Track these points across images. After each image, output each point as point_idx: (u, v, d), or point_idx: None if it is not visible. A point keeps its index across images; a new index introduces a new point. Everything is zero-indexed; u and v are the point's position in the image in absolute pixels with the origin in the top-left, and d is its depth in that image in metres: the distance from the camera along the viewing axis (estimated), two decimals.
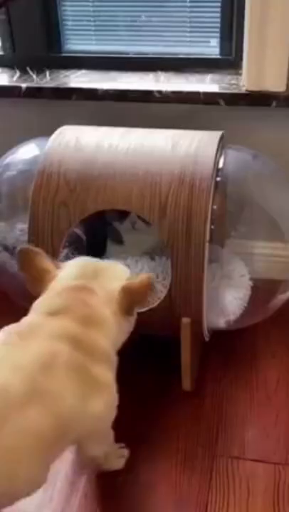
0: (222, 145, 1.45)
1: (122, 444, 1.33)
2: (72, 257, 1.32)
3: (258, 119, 1.68)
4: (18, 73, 1.80)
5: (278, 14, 1.49)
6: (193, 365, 1.49)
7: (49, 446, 1.01)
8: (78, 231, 1.61)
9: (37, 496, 1.29)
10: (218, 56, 1.76)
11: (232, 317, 1.52)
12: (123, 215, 1.55)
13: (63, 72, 1.79)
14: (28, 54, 1.81)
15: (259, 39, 1.52)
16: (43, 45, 1.80)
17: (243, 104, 1.63)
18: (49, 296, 1.14)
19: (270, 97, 1.60)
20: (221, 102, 1.63)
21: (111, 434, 1.22)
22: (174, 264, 1.34)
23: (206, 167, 1.35)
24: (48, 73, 1.78)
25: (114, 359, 1.15)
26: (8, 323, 1.82)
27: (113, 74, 1.77)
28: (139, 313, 1.36)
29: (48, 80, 1.75)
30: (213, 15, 1.70)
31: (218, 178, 1.40)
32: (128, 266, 1.38)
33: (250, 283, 1.58)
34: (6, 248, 1.63)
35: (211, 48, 1.76)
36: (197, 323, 1.41)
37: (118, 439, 1.42)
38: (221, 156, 1.43)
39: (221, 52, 1.75)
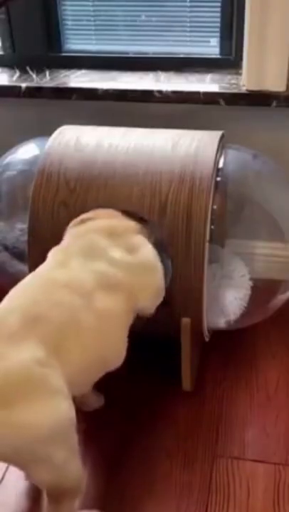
0: (222, 145, 1.45)
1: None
2: None
3: (258, 119, 1.68)
4: (18, 73, 1.80)
5: (278, 14, 1.49)
6: (193, 365, 1.49)
7: (127, 322, 1.20)
8: None
9: (37, 496, 1.29)
10: (218, 56, 1.76)
11: (232, 317, 1.52)
12: None
13: (63, 72, 1.79)
14: (28, 54, 1.81)
15: (259, 39, 1.52)
16: (43, 45, 1.80)
17: (243, 104, 1.63)
18: None
19: (270, 97, 1.60)
20: (221, 101, 1.63)
21: None
22: (174, 263, 1.34)
23: (206, 167, 1.35)
24: (47, 73, 1.78)
25: None
26: None
27: (113, 74, 1.76)
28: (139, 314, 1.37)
29: (48, 79, 1.75)
30: (213, 15, 1.70)
31: (218, 178, 1.40)
32: None
33: (250, 283, 1.58)
34: (6, 248, 1.63)
35: (211, 47, 1.75)
36: (197, 323, 1.41)
37: (118, 438, 1.42)
38: (221, 155, 1.43)
39: (221, 52, 1.75)
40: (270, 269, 1.59)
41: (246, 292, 1.56)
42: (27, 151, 1.61)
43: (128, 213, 1.34)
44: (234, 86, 1.65)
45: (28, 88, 1.72)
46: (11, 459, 1.02)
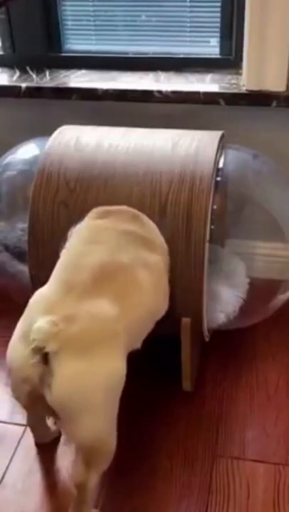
0: (222, 145, 1.45)
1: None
2: None
3: (258, 119, 1.68)
4: (18, 73, 1.79)
5: (278, 14, 1.49)
6: (193, 365, 1.49)
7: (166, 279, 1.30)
8: None
9: (37, 495, 1.29)
10: (218, 56, 1.75)
11: (231, 309, 1.51)
12: None
13: (63, 72, 1.79)
14: (28, 54, 1.81)
15: (259, 39, 1.52)
16: (43, 45, 1.80)
17: (243, 104, 1.63)
18: None
19: (270, 97, 1.60)
20: (221, 101, 1.63)
21: None
22: (174, 263, 1.34)
23: (206, 167, 1.35)
24: (47, 73, 1.78)
25: None
26: (8, 322, 1.83)
27: (113, 74, 1.76)
28: None
29: (48, 79, 1.75)
30: (213, 15, 1.70)
31: (219, 178, 1.40)
32: None
33: (248, 281, 1.58)
34: (7, 248, 1.63)
35: (211, 47, 1.75)
36: (197, 323, 1.41)
37: (118, 438, 1.42)
38: (221, 155, 1.43)
39: (221, 52, 1.75)
40: (270, 269, 1.59)
41: (245, 291, 1.56)
42: (27, 151, 1.61)
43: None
44: (234, 86, 1.65)
45: (28, 88, 1.71)
46: (72, 405, 1.08)
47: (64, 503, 1.29)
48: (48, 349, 1.05)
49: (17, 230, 1.60)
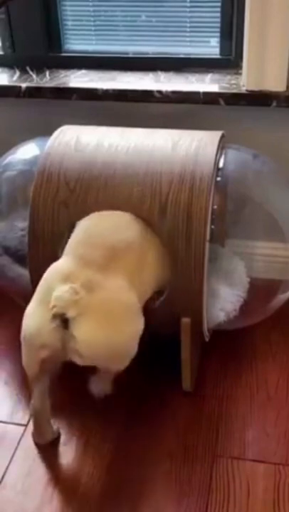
0: (222, 145, 1.45)
1: None
2: None
3: (258, 119, 1.68)
4: (18, 73, 1.79)
5: (278, 14, 1.49)
6: (193, 365, 1.49)
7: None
8: None
9: (37, 496, 1.29)
10: (218, 56, 1.75)
11: (230, 308, 1.51)
12: None
13: (63, 72, 1.79)
14: (28, 54, 1.81)
15: (259, 39, 1.52)
16: (43, 45, 1.80)
17: (243, 104, 1.63)
18: None
19: (270, 97, 1.60)
20: (221, 101, 1.63)
21: None
22: (174, 263, 1.34)
23: (206, 167, 1.35)
24: (47, 73, 1.78)
25: None
26: (8, 322, 1.83)
27: (113, 74, 1.76)
28: None
29: (48, 79, 1.75)
30: (213, 15, 1.70)
31: (219, 178, 1.39)
32: None
33: (248, 280, 1.58)
34: (6, 251, 1.62)
35: (211, 47, 1.75)
36: (197, 323, 1.41)
37: (118, 438, 1.42)
38: (221, 155, 1.43)
39: (221, 52, 1.75)
40: (270, 269, 1.59)
41: (245, 291, 1.56)
42: (27, 151, 1.61)
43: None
44: (234, 86, 1.65)
45: (28, 88, 1.71)
46: (100, 361, 1.24)
47: (64, 503, 1.29)
48: (68, 315, 1.15)
49: (17, 230, 1.60)
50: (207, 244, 1.32)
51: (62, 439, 1.43)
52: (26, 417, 1.48)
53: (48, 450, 1.41)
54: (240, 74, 1.67)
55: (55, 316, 1.16)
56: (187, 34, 1.75)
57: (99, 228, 1.34)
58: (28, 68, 1.81)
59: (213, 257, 1.51)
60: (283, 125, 1.69)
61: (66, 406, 1.51)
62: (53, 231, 1.38)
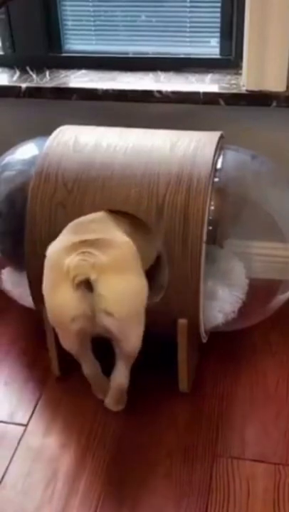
0: (221, 145, 1.45)
1: None
2: None
3: (258, 119, 1.68)
4: (18, 73, 1.79)
5: (278, 14, 1.49)
6: (190, 366, 1.49)
7: None
8: None
9: (37, 495, 1.29)
10: (218, 56, 1.75)
11: (229, 309, 1.51)
12: None
13: (63, 72, 1.78)
14: (28, 54, 1.81)
15: (259, 39, 1.52)
16: (43, 45, 1.80)
17: (243, 104, 1.63)
18: None
19: (270, 97, 1.60)
20: (221, 102, 1.63)
21: None
22: (171, 264, 1.34)
23: (204, 168, 1.35)
24: (47, 73, 1.78)
25: None
26: (8, 322, 1.83)
27: (113, 74, 1.76)
28: None
29: (48, 79, 1.75)
30: (213, 15, 1.70)
31: (216, 179, 1.39)
32: None
33: (247, 281, 1.58)
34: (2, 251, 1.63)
35: (211, 47, 1.75)
36: (194, 324, 1.41)
37: (118, 438, 1.42)
38: (219, 156, 1.43)
39: (221, 52, 1.75)
40: (270, 269, 1.59)
41: (244, 292, 1.56)
42: (26, 151, 1.61)
43: (125, 214, 1.34)
44: (234, 86, 1.65)
45: (28, 88, 1.71)
46: (126, 317, 1.26)
47: (64, 503, 1.29)
48: (92, 278, 1.20)
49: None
50: (204, 246, 1.32)
51: (62, 439, 1.43)
52: (26, 417, 1.49)
53: (48, 450, 1.41)
54: (240, 74, 1.67)
55: (78, 285, 1.21)
56: (187, 34, 1.75)
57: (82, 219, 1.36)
58: (28, 68, 1.81)
59: (212, 258, 1.51)
60: (283, 125, 1.69)
61: (66, 406, 1.51)
62: (50, 231, 1.37)
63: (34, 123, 1.76)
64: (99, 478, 1.34)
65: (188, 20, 1.73)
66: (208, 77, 1.72)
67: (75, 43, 1.83)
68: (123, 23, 1.78)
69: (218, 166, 1.42)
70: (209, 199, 1.34)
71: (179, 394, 1.51)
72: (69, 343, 1.34)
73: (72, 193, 1.38)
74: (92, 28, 1.80)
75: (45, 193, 1.39)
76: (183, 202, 1.32)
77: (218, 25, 1.70)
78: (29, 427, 1.46)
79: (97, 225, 1.31)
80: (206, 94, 1.63)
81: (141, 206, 1.34)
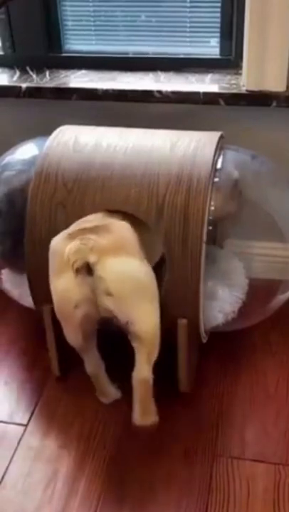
0: (221, 145, 1.45)
1: None
2: None
3: (258, 119, 1.68)
4: (18, 73, 1.79)
5: (278, 14, 1.49)
6: (190, 366, 1.49)
7: None
8: None
9: (37, 496, 1.29)
10: (218, 56, 1.75)
11: (229, 309, 1.51)
12: None
13: (63, 72, 1.78)
14: (28, 54, 1.81)
15: (259, 39, 1.52)
16: (43, 45, 1.80)
17: (243, 104, 1.63)
18: None
19: (270, 97, 1.59)
20: (221, 102, 1.63)
21: None
22: (171, 264, 1.34)
23: (204, 168, 1.35)
24: (47, 73, 1.78)
25: None
26: (8, 323, 1.83)
27: (113, 74, 1.76)
28: None
29: (48, 79, 1.75)
30: (213, 15, 1.70)
31: (216, 179, 1.39)
32: None
33: (247, 282, 1.58)
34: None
35: (211, 47, 1.75)
36: (194, 324, 1.41)
37: (118, 438, 1.42)
38: (219, 156, 1.43)
39: (221, 52, 1.75)
40: (270, 269, 1.59)
41: (244, 292, 1.56)
42: (26, 151, 1.61)
43: (125, 214, 1.35)
44: (234, 86, 1.65)
45: (28, 88, 1.71)
46: (129, 294, 1.27)
47: (64, 503, 1.29)
48: (91, 261, 1.22)
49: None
50: (204, 246, 1.32)
51: (62, 439, 1.43)
52: (26, 417, 1.49)
53: (48, 450, 1.41)
54: (240, 74, 1.67)
55: (78, 270, 1.23)
56: (187, 34, 1.75)
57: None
58: (28, 68, 1.81)
59: (212, 258, 1.51)
60: (283, 125, 1.69)
61: (66, 406, 1.51)
62: (50, 231, 1.37)
63: (34, 123, 1.76)
64: (99, 478, 1.34)
65: (188, 20, 1.73)
66: (208, 77, 1.72)
67: (75, 43, 1.83)
68: (123, 23, 1.78)
69: (219, 166, 1.42)
70: (209, 199, 1.34)
71: (179, 394, 1.51)
72: (73, 335, 1.33)
73: (72, 193, 1.38)
74: (92, 28, 1.80)
75: (45, 193, 1.39)
76: (183, 202, 1.32)
77: (218, 25, 1.70)
78: (29, 427, 1.46)
79: (95, 217, 1.34)
80: (206, 94, 1.63)
81: (141, 206, 1.34)
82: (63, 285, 1.27)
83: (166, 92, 1.65)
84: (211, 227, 1.37)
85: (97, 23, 1.79)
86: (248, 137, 1.65)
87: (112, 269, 1.25)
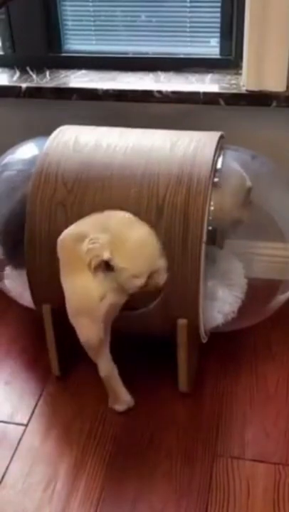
0: (221, 145, 1.45)
1: None
2: None
3: (258, 119, 1.68)
4: (18, 73, 1.80)
5: (278, 14, 1.49)
6: (190, 366, 1.49)
7: None
8: None
9: (37, 496, 1.29)
10: (218, 56, 1.75)
11: (228, 309, 1.51)
12: None
13: (63, 72, 1.79)
14: (28, 54, 1.81)
15: (259, 39, 1.52)
16: (43, 45, 1.80)
17: (243, 104, 1.63)
18: None
19: (270, 97, 1.60)
20: (221, 102, 1.63)
21: None
22: (171, 265, 1.34)
23: (204, 168, 1.35)
24: (48, 73, 1.78)
25: None
26: (8, 323, 1.83)
27: (113, 74, 1.76)
28: (136, 314, 1.36)
29: (48, 79, 1.75)
30: (213, 15, 1.70)
31: (216, 179, 1.39)
32: None
33: (246, 281, 1.58)
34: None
35: (211, 47, 1.75)
36: (194, 324, 1.41)
37: (118, 438, 1.42)
38: (219, 156, 1.43)
39: (221, 52, 1.75)
40: (270, 269, 1.59)
41: (243, 291, 1.56)
42: (26, 151, 1.61)
43: None
44: (234, 86, 1.65)
45: (28, 88, 1.72)
46: (149, 259, 1.33)
47: (64, 503, 1.29)
48: (105, 257, 1.28)
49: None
50: (203, 246, 1.32)
51: (62, 439, 1.43)
52: (26, 417, 1.49)
53: (48, 450, 1.41)
54: (240, 74, 1.67)
55: (96, 268, 1.29)
56: (187, 34, 1.75)
57: None
58: (28, 68, 1.81)
59: (212, 258, 1.51)
60: (283, 125, 1.69)
61: (66, 406, 1.52)
62: (50, 231, 1.38)
63: (34, 123, 1.76)
64: (99, 478, 1.34)
65: (188, 20, 1.73)
66: (208, 77, 1.72)
67: (75, 43, 1.83)
68: (123, 23, 1.78)
69: (219, 166, 1.42)
70: (209, 199, 1.34)
71: (179, 394, 1.51)
72: (96, 329, 1.34)
73: (72, 192, 1.37)
74: (92, 28, 1.80)
75: (45, 193, 1.39)
76: (183, 202, 1.32)
77: (218, 25, 1.70)
78: (29, 427, 1.46)
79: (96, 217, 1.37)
80: (206, 94, 1.63)
81: (141, 206, 1.34)
82: (83, 282, 1.31)
83: (167, 92, 1.65)
84: (210, 228, 1.37)
85: (97, 23, 1.79)
86: (248, 137, 1.65)
87: (128, 255, 1.30)
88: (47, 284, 1.42)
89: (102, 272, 1.30)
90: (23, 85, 1.72)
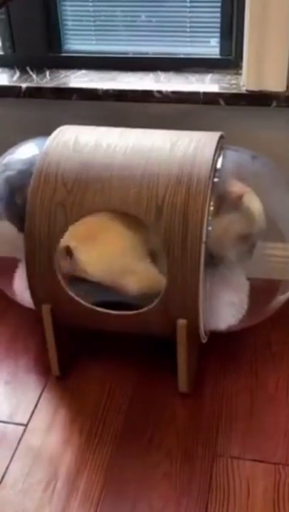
0: (221, 146, 1.45)
1: None
2: None
3: (258, 119, 1.68)
4: (18, 73, 1.80)
5: (278, 14, 1.49)
6: (190, 366, 1.49)
7: None
8: None
9: (37, 496, 1.29)
10: (218, 56, 1.75)
11: (232, 321, 1.51)
12: None
13: (63, 72, 1.79)
14: (28, 54, 1.81)
15: (259, 39, 1.52)
16: (43, 45, 1.80)
17: (243, 104, 1.63)
18: None
19: (270, 97, 1.60)
20: (221, 102, 1.63)
21: None
22: (170, 265, 1.34)
23: (204, 168, 1.35)
24: (48, 73, 1.78)
25: None
26: (8, 322, 1.83)
27: (113, 74, 1.76)
28: (136, 314, 1.36)
29: (48, 79, 1.75)
30: (213, 15, 1.70)
31: (216, 179, 1.39)
32: None
33: (248, 283, 1.58)
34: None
35: (211, 47, 1.75)
36: (193, 324, 1.41)
37: (118, 438, 1.42)
38: (219, 156, 1.43)
39: (221, 52, 1.75)
40: (270, 269, 1.59)
41: (244, 293, 1.56)
42: (26, 151, 1.60)
43: (125, 215, 1.35)
44: (234, 86, 1.65)
45: (28, 88, 1.72)
46: (108, 270, 1.44)
47: (64, 504, 1.29)
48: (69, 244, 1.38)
49: None
50: (203, 246, 1.32)
51: (62, 439, 1.43)
52: (26, 417, 1.49)
53: (48, 450, 1.41)
54: (240, 74, 1.67)
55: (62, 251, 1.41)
56: (187, 34, 1.75)
57: None
58: (28, 68, 1.81)
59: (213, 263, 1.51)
60: (283, 125, 1.69)
61: (66, 406, 1.52)
62: (50, 231, 1.37)
63: (34, 123, 1.76)
64: (99, 478, 1.34)
65: (188, 20, 1.73)
66: (208, 77, 1.72)
67: (75, 43, 1.83)
68: (123, 23, 1.78)
69: (218, 166, 1.42)
70: (209, 199, 1.34)
71: (178, 394, 1.51)
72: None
73: (72, 193, 1.37)
74: (92, 28, 1.80)
75: (45, 193, 1.39)
76: (182, 202, 1.32)
77: (218, 25, 1.70)
78: (29, 427, 1.46)
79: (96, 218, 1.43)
80: (206, 94, 1.63)
81: (140, 206, 1.34)
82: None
83: (167, 92, 1.65)
84: (210, 228, 1.37)
85: (97, 23, 1.79)
86: (248, 137, 1.65)
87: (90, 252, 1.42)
88: (47, 284, 1.42)
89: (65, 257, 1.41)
90: (23, 85, 1.72)
